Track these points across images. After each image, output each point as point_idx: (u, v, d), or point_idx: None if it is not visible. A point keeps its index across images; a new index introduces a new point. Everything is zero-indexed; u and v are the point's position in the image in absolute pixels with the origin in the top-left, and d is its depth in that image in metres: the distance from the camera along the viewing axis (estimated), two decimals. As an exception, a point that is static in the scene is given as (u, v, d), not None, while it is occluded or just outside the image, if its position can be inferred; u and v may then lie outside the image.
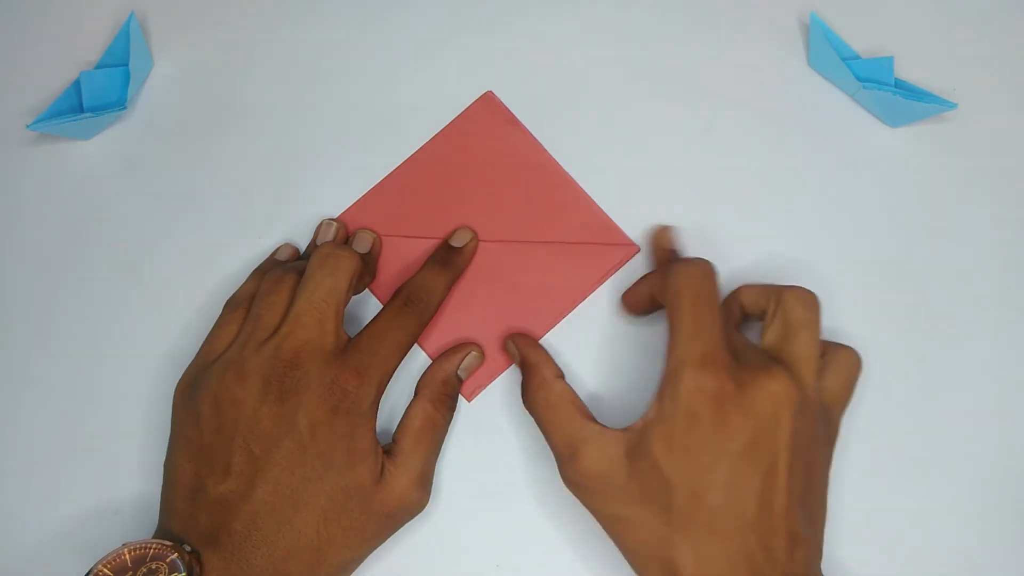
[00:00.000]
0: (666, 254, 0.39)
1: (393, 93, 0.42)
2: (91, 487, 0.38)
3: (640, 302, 0.38)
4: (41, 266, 0.41)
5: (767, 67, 0.42)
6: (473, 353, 0.38)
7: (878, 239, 0.40)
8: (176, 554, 0.30)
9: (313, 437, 0.32)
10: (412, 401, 0.37)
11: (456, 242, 0.39)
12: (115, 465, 0.38)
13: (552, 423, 0.33)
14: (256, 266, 0.39)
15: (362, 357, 0.34)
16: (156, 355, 0.39)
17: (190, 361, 0.36)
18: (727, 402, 0.29)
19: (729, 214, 0.40)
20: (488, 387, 0.39)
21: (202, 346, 0.36)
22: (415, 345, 0.38)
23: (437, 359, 0.38)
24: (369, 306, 0.40)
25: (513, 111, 0.42)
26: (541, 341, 0.39)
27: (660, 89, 0.42)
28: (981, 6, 0.43)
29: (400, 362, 0.35)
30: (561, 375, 0.35)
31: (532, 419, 0.35)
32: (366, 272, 0.38)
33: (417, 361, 0.39)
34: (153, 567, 0.30)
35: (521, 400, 0.35)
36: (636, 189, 0.40)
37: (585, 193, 0.40)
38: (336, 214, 0.41)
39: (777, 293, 0.33)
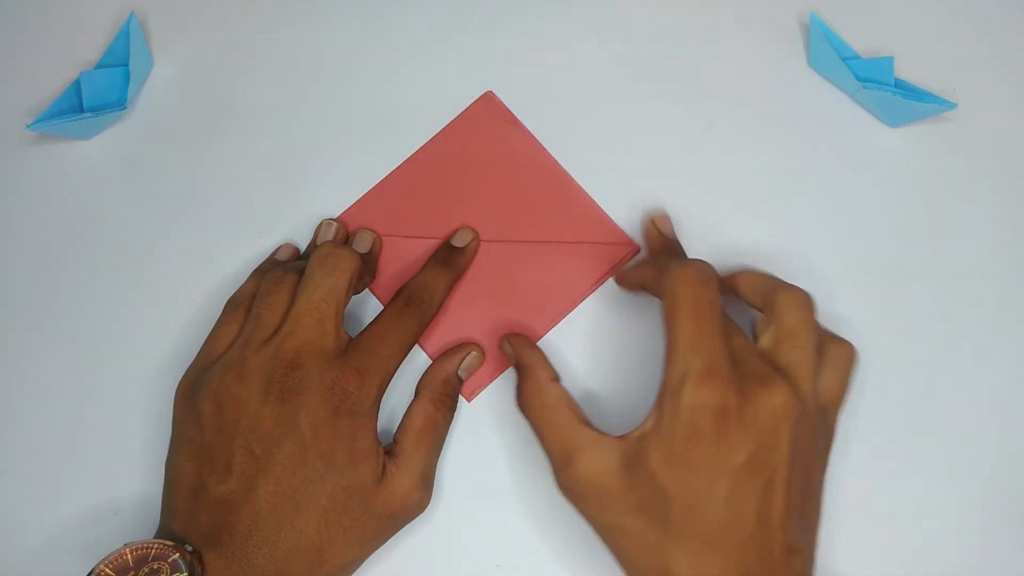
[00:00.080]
0: (662, 242, 0.38)
1: (393, 93, 0.42)
2: (92, 487, 0.38)
3: (632, 288, 0.37)
4: (41, 266, 0.41)
5: (767, 67, 0.42)
6: (473, 353, 0.38)
7: (878, 239, 0.40)
8: (178, 554, 0.30)
9: (314, 437, 0.32)
10: (413, 401, 0.37)
11: (457, 242, 0.39)
12: (116, 465, 0.38)
13: (546, 428, 0.33)
14: (256, 266, 0.39)
15: (363, 357, 0.34)
16: (156, 355, 0.39)
17: (190, 361, 0.36)
18: (729, 417, 0.29)
19: (729, 214, 0.40)
20: (488, 387, 0.39)
21: (203, 346, 0.36)
22: (415, 345, 0.38)
23: (437, 359, 0.38)
24: (369, 306, 0.40)
25: (513, 111, 0.42)
26: (541, 341, 0.39)
27: (660, 89, 0.42)
28: (981, 6, 0.43)
29: (401, 362, 0.35)
30: (556, 378, 0.34)
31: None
32: (366, 272, 0.38)
33: (418, 361, 0.39)
34: (155, 567, 0.30)
35: (516, 403, 0.35)
36: (636, 189, 0.40)
37: (585, 193, 0.40)
38: (336, 214, 0.41)
39: (772, 295, 0.32)
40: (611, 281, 0.39)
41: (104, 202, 0.41)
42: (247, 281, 0.38)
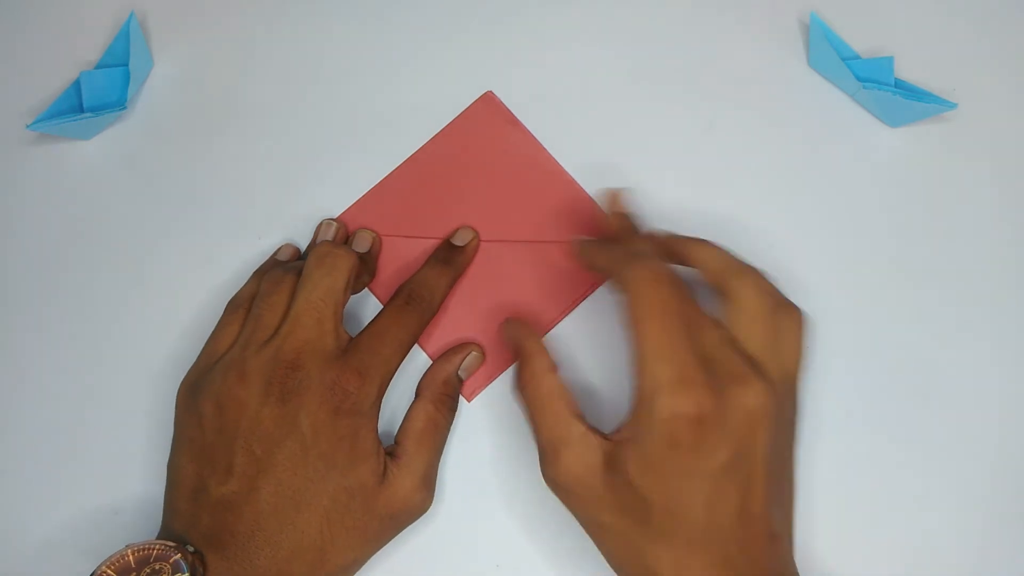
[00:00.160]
0: (621, 222, 0.37)
1: (393, 93, 0.42)
2: (93, 488, 0.38)
3: (585, 267, 0.37)
4: (41, 266, 0.41)
5: (767, 67, 0.42)
6: (473, 353, 0.38)
7: (878, 239, 0.40)
8: (179, 555, 0.30)
9: (315, 438, 0.32)
10: (413, 402, 0.37)
11: (458, 241, 0.39)
12: (117, 466, 0.38)
13: (538, 417, 0.33)
14: (257, 267, 0.39)
15: (363, 357, 0.34)
16: (156, 355, 0.39)
17: (190, 361, 0.36)
18: (706, 423, 0.28)
19: (729, 214, 0.40)
20: (488, 387, 0.39)
21: (204, 347, 0.36)
22: (415, 345, 0.38)
23: (437, 360, 0.38)
24: (369, 306, 0.40)
25: (513, 111, 0.42)
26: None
27: (660, 89, 0.42)
28: (981, 6, 0.43)
29: (402, 361, 0.35)
30: (554, 368, 0.34)
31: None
32: (365, 271, 0.38)
33: (418, 361, 0.39)
34: (156, 567, 0.30)
35: (512, 389, 0.34)
36: (636, 189, 0.40)
37: (585, 193, 0.40)
38: (336, 214, 0.41)
39: (729, 278, 0.32)
40: (611, 281, 0.39)
41: (104, 202, 0.41)
42: (248, 282, 0.38)
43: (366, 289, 0.40)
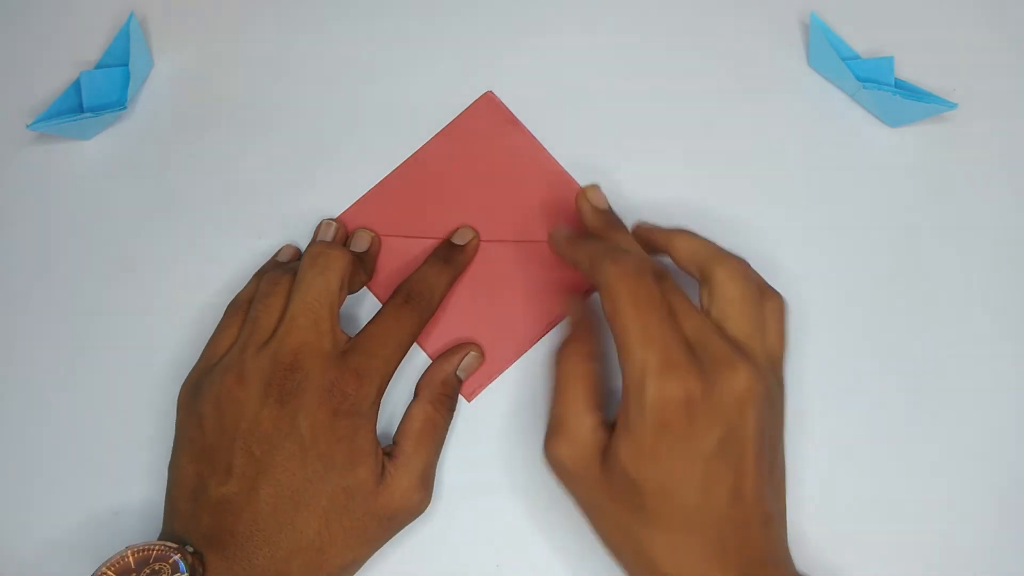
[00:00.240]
0: (599, 218, 0.37)
1: (393, 93, 0.42)
2: (93, 489, 0.38)
3: (565, 263, 0.36)
4: (41, 266, 0.41)
5: (767, 67, 0.42)
6: (472, 353, 0.38)
7: (878, 239, 0.40)
8: (179, 555, 0.30)
9: (313, 439, 0.32)
10: (412, 402, 0.37)
11: (458, 240, 0.39)
12: (117, 467, 0.38)
13: (559, 393, 0.33)
14: (258, 268, 0.39)
15: (362, 358, 0.34)
16: (155, 355, 0.39)
17: (191, 361, 0.36)
18: (695, 405, 0.29)
19: (729, 213, 0.40)
20: (488, 387, 0.39)
21: (205, 349, 0.36)
22: (414, 345, 0.38)
23: (436, 360, 0.38)
24: (367, 306, 0.40)
25: (513, 111, 0.42)
26: (541, 341, 0.39)
27: (660, 88, 0.42)
28: (981, 6, 0.42)
29: (401, 361, 0.35)
30: (595, 357, 0.34)
31: (532, 418, 0.35)
32: (362, 270, 0.38)
33: (417, 361, 0.39)
34: (156, 568, 0.30)
35: (553, 353, 0.34)
36: (636, 189, 0.40)
37: (585, 193, 0.40)
38: (336, 214, 0.41)
39: (709, 267, 0.32)
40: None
41: (104, 202, 0.41)
42: (248, 283, 0.38)
43: (365, 288, 0.40)
